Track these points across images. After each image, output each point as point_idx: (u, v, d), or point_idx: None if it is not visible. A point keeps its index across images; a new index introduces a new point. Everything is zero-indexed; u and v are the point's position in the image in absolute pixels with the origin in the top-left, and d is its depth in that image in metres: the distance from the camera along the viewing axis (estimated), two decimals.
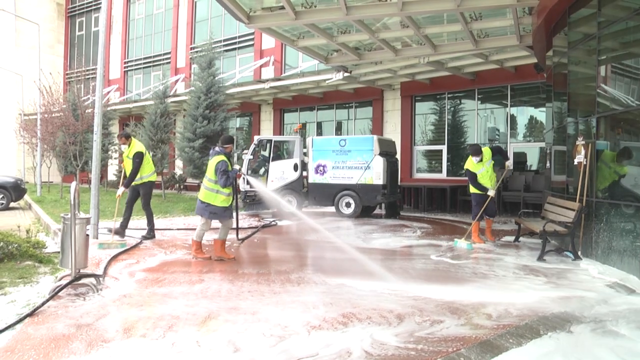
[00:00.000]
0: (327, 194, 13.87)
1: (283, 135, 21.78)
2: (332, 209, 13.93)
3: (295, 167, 14.11)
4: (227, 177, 7.07)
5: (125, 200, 9.45)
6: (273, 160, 14.17)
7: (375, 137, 13.73)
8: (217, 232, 7.62)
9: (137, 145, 9.13)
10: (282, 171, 14.08)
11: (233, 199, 7.51)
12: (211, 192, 7.22)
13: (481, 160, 9.29)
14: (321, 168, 13.96)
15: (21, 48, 35.06)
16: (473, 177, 9.35)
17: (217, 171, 7.09)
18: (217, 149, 7.42)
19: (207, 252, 7.68)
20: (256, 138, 14.45)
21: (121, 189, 9.05)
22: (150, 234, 9.26)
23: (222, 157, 7.21)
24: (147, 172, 9.18)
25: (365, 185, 13.37)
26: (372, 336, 4.12)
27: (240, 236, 9.09)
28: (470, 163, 9.38)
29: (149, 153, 9.18)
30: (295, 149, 14.30)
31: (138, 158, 8.96)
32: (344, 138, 14.21)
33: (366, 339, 4.06)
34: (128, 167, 9.08)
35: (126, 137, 9.25)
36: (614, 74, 7.67)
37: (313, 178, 14.05)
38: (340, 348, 3.86)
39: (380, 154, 13.37)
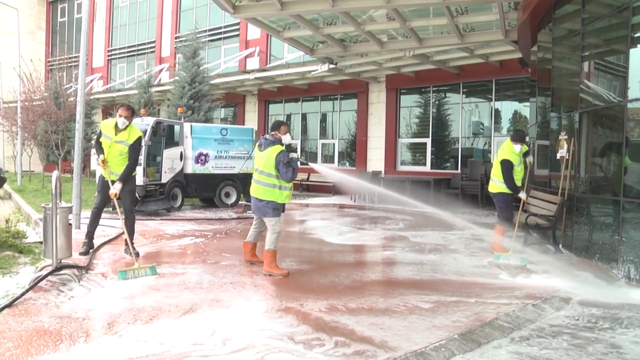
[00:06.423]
0: (209, 185, 13.19)
1: (266, 126, 21.69)
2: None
3: (182, 156, 12.69)
4: (294, 170, 6.06)
5: (94, 206, 6.96)
6: (166, 147, 12.31)
7: (254, 128, 14.39)
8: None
9: (138, 129, 6.82)
10: (172, 160, 12.39)
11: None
12: (273, 188, 6.08)
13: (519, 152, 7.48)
14: (202, 157, 13.03)
15: (0, 34, 34.31)
16: (511, 169, 7.40)
17: (280, 164, 5.97)
18: (267, 136, 6.27)
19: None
20: (154, 120, 12.20)
21: (118, 186, 6.42)
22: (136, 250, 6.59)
23: (281, 147, 6.13)
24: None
25: (247, 174, 12.81)
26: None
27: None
28: (511, 152, 7.43)
29: None
30: (182, 135, 12.92)
31: (140, 145, 6.82)
32: (226, 127, 13.96)
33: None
34: (117, 155, 6.55)
35: (133, 113, 6.71)
36: (597, 70, 7.76)
37: (193, 168, 12.81)
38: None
39: None
